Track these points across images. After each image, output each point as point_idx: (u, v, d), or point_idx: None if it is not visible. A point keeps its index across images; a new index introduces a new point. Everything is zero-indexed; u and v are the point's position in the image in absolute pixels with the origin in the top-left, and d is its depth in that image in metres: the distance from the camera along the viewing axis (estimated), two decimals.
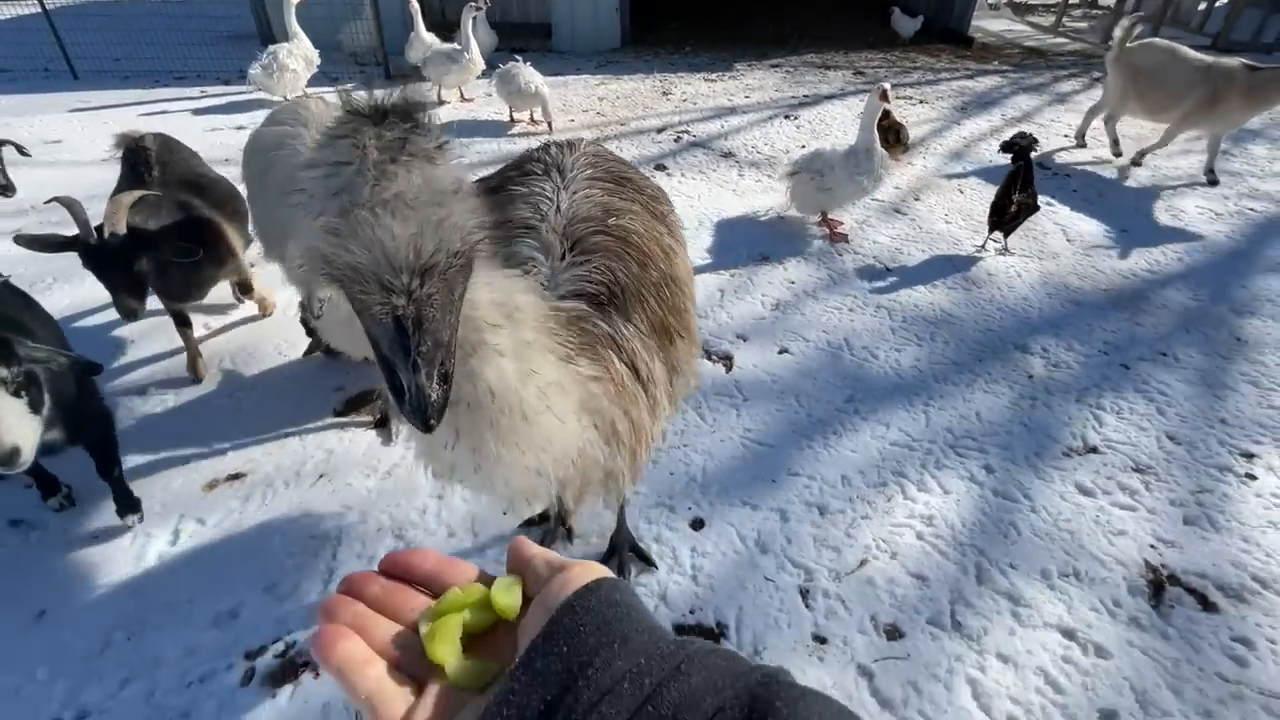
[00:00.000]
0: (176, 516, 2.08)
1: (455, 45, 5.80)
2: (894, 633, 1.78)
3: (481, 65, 5.85)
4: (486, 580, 0.45)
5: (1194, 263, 3.62)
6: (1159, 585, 1.91)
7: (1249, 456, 2.35)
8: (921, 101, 6.32)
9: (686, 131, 5.50)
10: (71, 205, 2.02)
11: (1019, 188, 3.41)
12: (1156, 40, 4.68)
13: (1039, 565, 1.96)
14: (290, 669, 1.66)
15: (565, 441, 1.00)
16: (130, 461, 2.24)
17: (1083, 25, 10.29)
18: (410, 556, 0.48)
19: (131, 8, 9.43)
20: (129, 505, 2.02)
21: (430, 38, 6.14)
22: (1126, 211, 4.19)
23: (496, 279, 0.85)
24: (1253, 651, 1.74)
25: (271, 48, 5.66)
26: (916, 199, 4.33)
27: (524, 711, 0.34)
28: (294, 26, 5.74)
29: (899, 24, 8.28)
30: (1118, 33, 4.62)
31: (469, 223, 0.65)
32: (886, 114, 4.70)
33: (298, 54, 5.68)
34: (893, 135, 4.50)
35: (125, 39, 7.38)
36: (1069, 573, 1.94)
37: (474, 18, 5.72)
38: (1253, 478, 2.27)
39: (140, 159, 2.55)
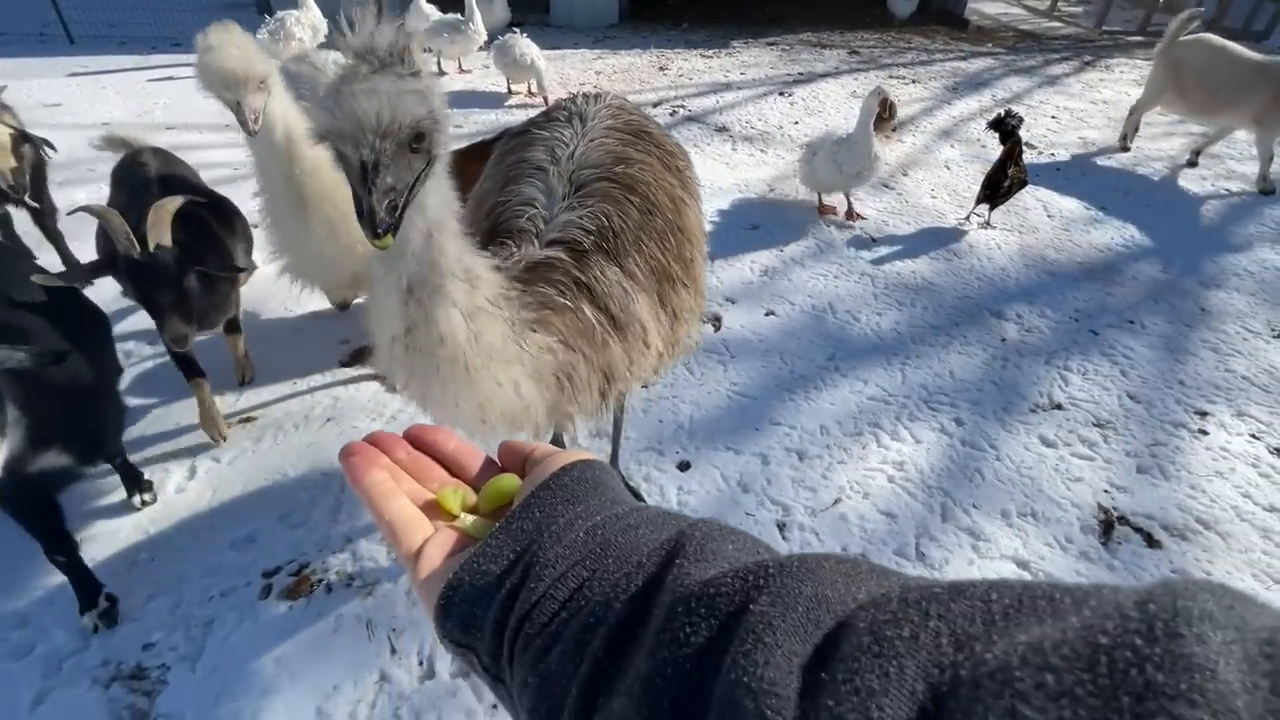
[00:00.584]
0: (192, 454, 2.21)
1: (458, 15, 5.83)
2: None
3: (484, 37, 5.88)
4: (493, 470, 0.53)
5: (1167, 239, 3.76)
6: (1109, 525, 2.07)
7: (1203, 414, 2.51)
8: (914, 81, 6.40)
9: (682, 106, 5.58)
10: (106, 215, 1.70)
11: (1014, 163, 3.54)
12: (1209, 37, 4.38)
13: (1000, 506, 2.11)
14: (305, 585, 1.80)
15: (503, 403, 1.14)
16: (145, 405, 2.36)
17: (1078, 10, 10.35)
18: (435, 434, 0.54)
19: None
20: (139, 485, 2.01)
21: (430, 9, 6.16)
22: (1107, 190, 4.32)
23: (468, 246, 1.05)
24: None
25: (280, 14, 5.68)
26: (905, 174, 4.44)
27: (497, 560, 0.41)
28: None
29: (894, 4, 8.33)
30: (1173, 25, 4.39)
31: (418, 109, 0.87)
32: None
33: (305, 22, 5.70)
34: (885, 111, 4.58)
35: (120, 4, 7.35)
36: (1027, 513, 2.09)
37: None
38: (1204, 433, 2.42)
39: (139, 177, 2.21)
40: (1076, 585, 0.26)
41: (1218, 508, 2.13)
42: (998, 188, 3.58)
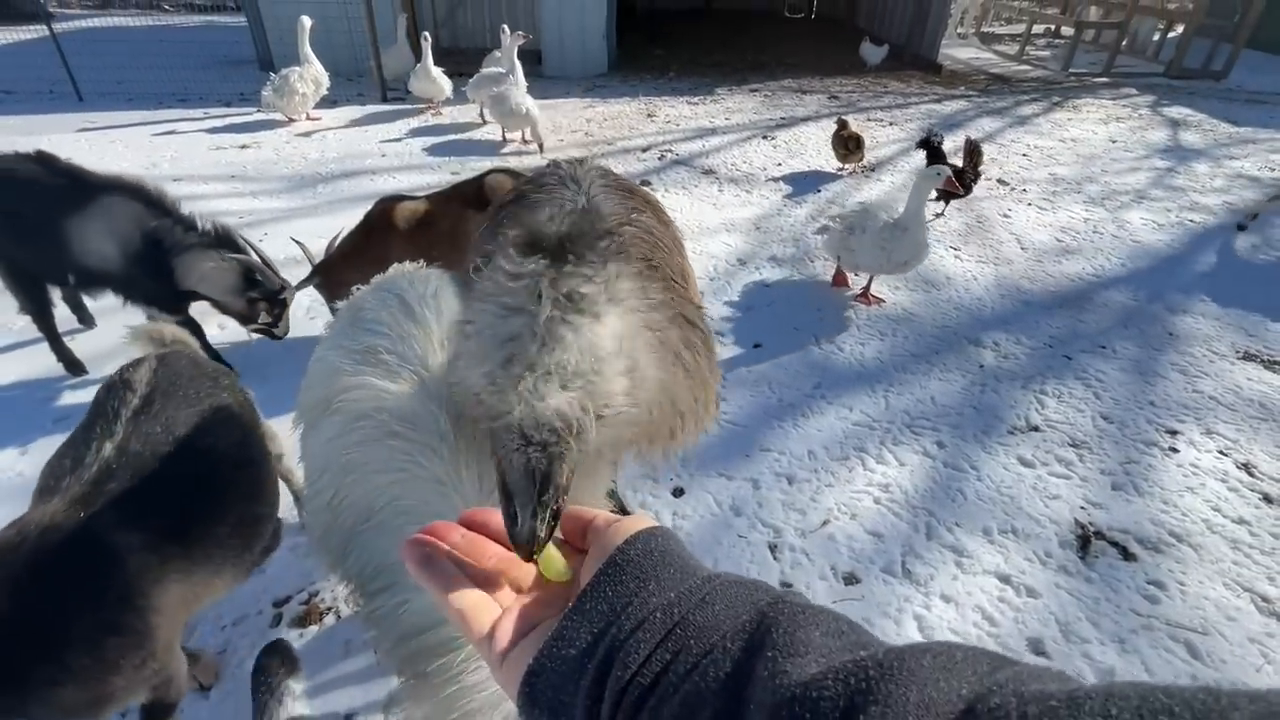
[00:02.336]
0: None
1: (500, 70, 5.99)
2: (851, 579, 2.01)
3: (524, 85, 5.93)
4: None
5: (1135, 268, 3.95)
6: (1086, 539, 2.16)
7: (1173, 433, 2.62)
8: (891, 124, 6.70)
9: (670, 151, 5.82)
10: None
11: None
12: None
13: (981, 524, 2.20)
14: (315, 613, 1.86)
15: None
16: None
17: (1045, 54, 10.86)
18: (488, 515, 0.57)
19: (133, 33, 9.70)
20: None
21: (437, 71, 6.42)
22: (1077, 223, 4.53)
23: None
24: (1164, 592, 1.99)
25: (284, 70, 5.94)
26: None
27: (575, 642, 0.42)
28: (306, 50, 6.01)
29: (866, 53, 8.76)
30: None
31: (616, 388, 0.63)
32: (844, 124, 5.04)
33: (308, 77, 5.96)
34: (852, 143, 4.83)
35: (128, 62, 7.64)
36: (1008, 530, 2.19)
37: (517, 46, 5.86)
38: (1175, 450, 2.54)
39: (114, 402, 1.39)
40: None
41: (1189, 521, 2.23)
42: (974, 180, 4.24)
